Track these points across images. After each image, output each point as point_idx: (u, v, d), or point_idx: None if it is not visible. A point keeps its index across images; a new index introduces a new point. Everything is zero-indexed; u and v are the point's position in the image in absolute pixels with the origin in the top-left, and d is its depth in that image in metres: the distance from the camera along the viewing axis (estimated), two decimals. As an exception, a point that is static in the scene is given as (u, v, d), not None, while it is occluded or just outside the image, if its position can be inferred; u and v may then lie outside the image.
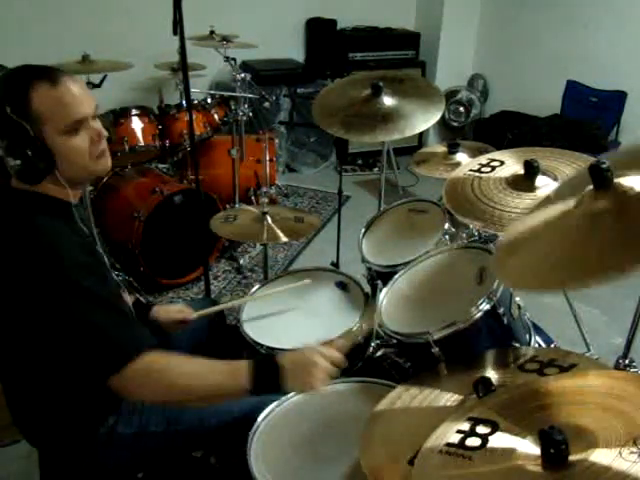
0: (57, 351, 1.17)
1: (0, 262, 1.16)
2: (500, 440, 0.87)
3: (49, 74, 1.17)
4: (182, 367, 1.18)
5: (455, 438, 0.91)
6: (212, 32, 3.37)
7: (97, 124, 1.23)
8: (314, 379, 1.18)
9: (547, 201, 1.23)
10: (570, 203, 1.06)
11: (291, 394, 1.41)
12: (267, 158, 3.33)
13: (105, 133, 1.24)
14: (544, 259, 1.03)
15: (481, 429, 0.90)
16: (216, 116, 3.30)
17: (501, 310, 1.36)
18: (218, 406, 1.37)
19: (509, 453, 0.83)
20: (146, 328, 1.19)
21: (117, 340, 1.14)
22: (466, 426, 0.92)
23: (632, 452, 0.74)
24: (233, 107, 3.28)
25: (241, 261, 3.27)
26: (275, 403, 1.37)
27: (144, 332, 1.20)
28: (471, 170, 1.59)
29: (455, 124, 4.85)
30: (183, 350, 1.64)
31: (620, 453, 0.74)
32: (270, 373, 1.18)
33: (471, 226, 1.87)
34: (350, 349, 1.35)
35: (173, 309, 1.63)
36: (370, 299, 1.76)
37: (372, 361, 1.71)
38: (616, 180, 0.99)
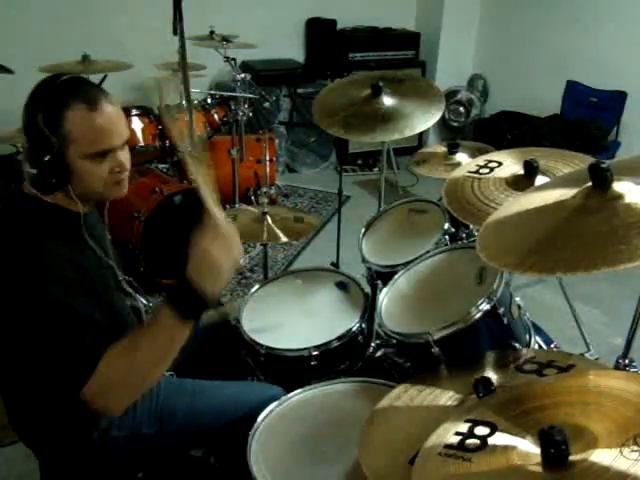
0: (30, 362, 1.17)
1: None
2: (500, 440, 0.87)
3: (88, 96, 1.15)
4: (133, 358, 1.10)
5: (454, 439, 0.91)
6: (212, 32, 3.38)
7: (124, 155, 1.22)
8: (223, 271, 1.17)
9: (545, 186, 1.24)
10: (568, 194, 1.06)
11: (291, 394, 1.41)
12: (267, 158, 3.32)
13: (128, 166, 1.24)
14: (524, 241, 1.03)
15: (480, 430, 0.90)
16: (216, 116, 3.30)
17: (501, 310, 1.36)
18: (211, 405, 1.38)
19: (509, 453, 0.83)
20: (101, 327, 1.12)
21: (79, 352, 1.09)
22: (465, 428, 0.92)
23: (633, 450, 0.74)
24: (233, 107, 3.28)
25: (241, 261, 3.27)
26: (275, 403, 1.37)
27: (101, 335, 1.12)
28: (470, 171, 1.59)
29: (455, 124, 4.85)
30: (184, 351, 1.65)
31: (621, 452, 0.74)
32: (185, 294, 1.11)
33: (471, 226, 1.87)
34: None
35: None
36: (368, 300, 1.76)
37: (372, 361, 1.71)
38: (615, 183, 1.00)
